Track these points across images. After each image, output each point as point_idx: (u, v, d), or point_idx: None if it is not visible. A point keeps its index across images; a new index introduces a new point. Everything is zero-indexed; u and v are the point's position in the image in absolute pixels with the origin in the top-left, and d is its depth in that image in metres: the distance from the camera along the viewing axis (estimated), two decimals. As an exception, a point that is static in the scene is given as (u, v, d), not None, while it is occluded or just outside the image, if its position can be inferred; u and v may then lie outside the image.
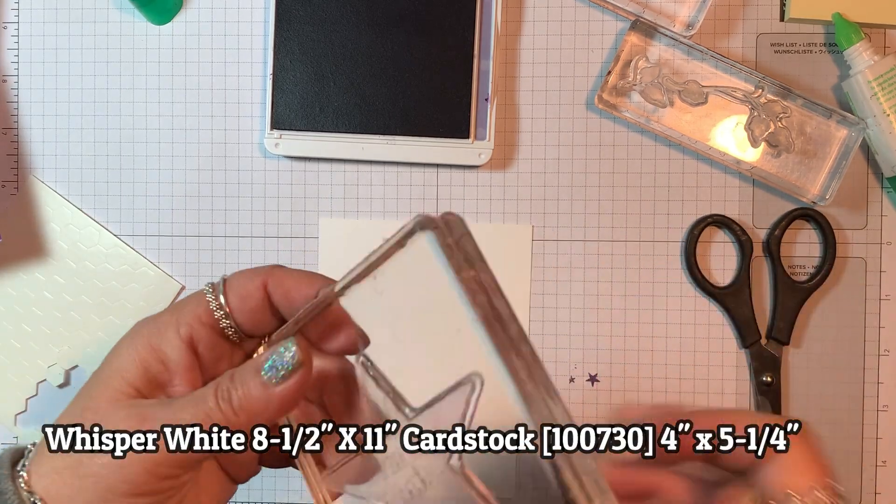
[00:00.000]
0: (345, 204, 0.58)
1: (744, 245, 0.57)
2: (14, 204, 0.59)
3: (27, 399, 0.59)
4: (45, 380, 0.59)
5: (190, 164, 0.59)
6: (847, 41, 0.55)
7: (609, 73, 0.56)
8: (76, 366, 0.59)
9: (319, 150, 0.56)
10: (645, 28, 0.56)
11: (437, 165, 0.58)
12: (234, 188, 0.59)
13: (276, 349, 0.34)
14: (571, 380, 0.58)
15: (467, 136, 0.56)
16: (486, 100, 0.56)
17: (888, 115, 0.54)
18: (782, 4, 0.57)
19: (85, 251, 0.59)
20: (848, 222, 0.57)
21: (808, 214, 0.57)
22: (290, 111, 0.56)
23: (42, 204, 0.59)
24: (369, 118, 0.56)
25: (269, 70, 0.56)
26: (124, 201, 0.59)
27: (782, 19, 0.57)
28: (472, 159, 0.56)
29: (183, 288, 0.59)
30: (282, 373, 0.33)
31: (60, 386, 0.59)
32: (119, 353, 0.35)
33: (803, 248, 0.58)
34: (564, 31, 0.57)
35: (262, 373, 0.33)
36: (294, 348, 0.33)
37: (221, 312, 0.35)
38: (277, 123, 0.56)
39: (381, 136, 0.56)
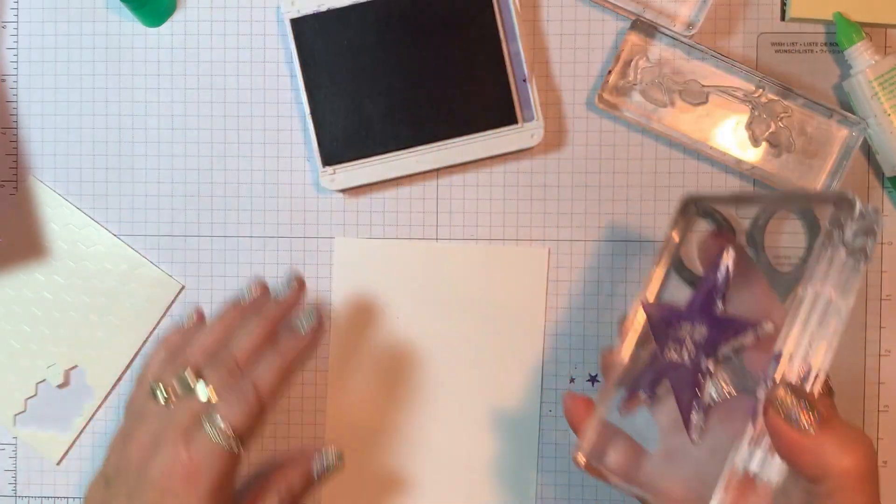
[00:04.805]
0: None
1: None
2: (14, 204, 0.59)
3: (26, 399, 0.59)
4: (44, 380, 0.59)
5: (189, 163, 0.59)
6: (848, 41, 0.55)
7: (609, 72, 0.56)
8: (75, 366, 0.59)
9: (372, 175, 0.56)
10: (645, 27, 0.56)
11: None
12: (234, 187, 0.59)
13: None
14: (571, 380, 0.58)
15: (515, 122, 0.55)
16: (525, 80, 0.56)
17: (889, 115, 0.54)
18: (783, 4, 0.57)
19: (84, 251, 0.59)
20: (848, 222, 0.57)
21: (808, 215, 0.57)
22: (337, 145, 0.56)
23: (42, 204, 0.59)
24: (414, 130, 0.56)
25: (307, 110, 0.56)
26: (124, 201, 0.59)
27: (783, 19, 0.57)
28: (525, 141, 0.56)
29: (183, 288, 0.59)
30: None
31: (60, 386, 0.59)
32: None
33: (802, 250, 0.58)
34: (564, 31, 0.57)
35: None
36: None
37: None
38: (328, 160, 0.56)
39: (431, 145, 0.56)
